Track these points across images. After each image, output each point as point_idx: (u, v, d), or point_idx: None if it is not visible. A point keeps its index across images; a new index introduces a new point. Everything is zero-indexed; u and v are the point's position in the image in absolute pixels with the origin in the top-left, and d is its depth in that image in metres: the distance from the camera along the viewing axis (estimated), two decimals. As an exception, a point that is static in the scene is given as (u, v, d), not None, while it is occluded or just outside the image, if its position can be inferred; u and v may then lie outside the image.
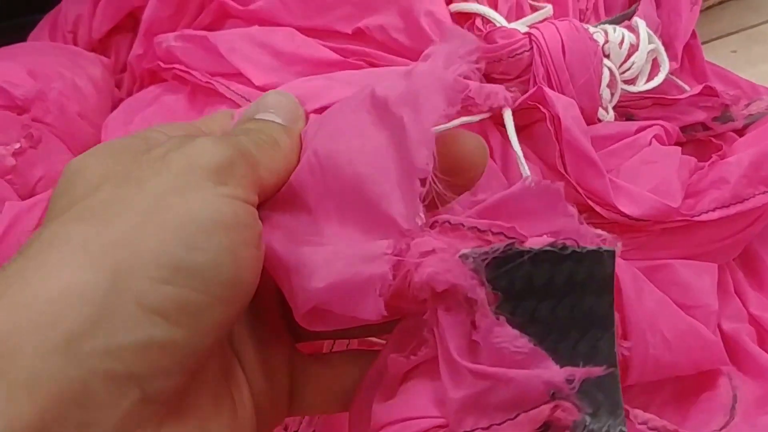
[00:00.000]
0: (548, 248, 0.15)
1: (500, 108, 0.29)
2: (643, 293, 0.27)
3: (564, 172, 0.31)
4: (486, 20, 0.32)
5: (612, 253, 0.15)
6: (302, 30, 0.41)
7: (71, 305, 0.15)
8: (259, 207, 0.18)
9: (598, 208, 0.30)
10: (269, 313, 0.20)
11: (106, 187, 0.17)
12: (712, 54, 0.42)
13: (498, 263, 0.15)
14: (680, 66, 0.37)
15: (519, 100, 0.33)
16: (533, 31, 0.31)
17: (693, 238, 0.31)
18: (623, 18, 0.35)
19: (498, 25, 0.32)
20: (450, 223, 0.16)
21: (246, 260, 0.17)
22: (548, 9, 0.33)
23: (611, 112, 0.33)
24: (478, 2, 0.33)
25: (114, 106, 0.46)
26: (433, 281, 0.15)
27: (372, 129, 0.18)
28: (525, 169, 0.29)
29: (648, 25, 0.36)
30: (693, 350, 0.28)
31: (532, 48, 0.31)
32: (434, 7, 0.36)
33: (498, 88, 0.29)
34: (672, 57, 0.36)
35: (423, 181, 0.16)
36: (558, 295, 0.15)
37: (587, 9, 0.35)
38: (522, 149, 0.34)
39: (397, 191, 0.16)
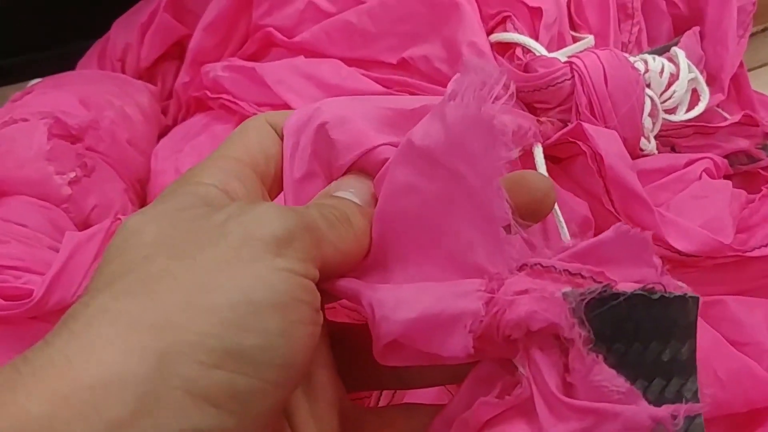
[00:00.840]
0: (640, 292, 0.15)
1: (530, 145, 0.30)
2: (697, 331, 0.27)
3: (612, 209, 0.31)
4: (526, 50, 0.33)
5: (696, 300, 0.16)
6: (347, 60, 0.41)
7: (114, 393, 0.14)
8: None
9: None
10: (322, 367, 0.20)
11: (160, 257, 0.16)
12: (758, 81, 0.42)
13: (593, 305, 0.15)
14: (726, 96, 0.37)
15: (556, 136, 0.33)
16: (574, 59, 0.31)
17: (745, 273, 0.30)
18: (663, 50, 0.35)
19: (538, 54, 0.32)
20: (542, 265, 0.16)
21: (301, 340, 0.16)
22: (590, 39, 0.34)
23: (653, 142, 0.33)
24: (519, 32, 0.33)
25: (161, 133, 0.47)
26: (530, 319, 0.15)
27: (425, 181, 0.18)
28: (561, 222, 0.29)
29: (690, 58, 0.36)
30: (746, 388, 0.28)
31: (573, 77, 0.31)
32: (476, 37, 0.37)
33: (528, 122, 0.29)
34: (718, 89, 0.36)
35: (507, 228, 0.16)
36: (646, 339, 0.15)
37: (629, 42, 0.36)
38: (566, 182, 0.34)
39: (480, 238, 0.16)
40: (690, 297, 0.16)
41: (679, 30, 0.39)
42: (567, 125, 0.32)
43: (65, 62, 0.54)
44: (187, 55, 0.47)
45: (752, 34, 0.48)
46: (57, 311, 0.31)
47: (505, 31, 0.34)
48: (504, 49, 0.36)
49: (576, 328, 0.15)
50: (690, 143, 0.36)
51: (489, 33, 0.35)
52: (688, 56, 0.35)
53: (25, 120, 0.39)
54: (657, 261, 0.16)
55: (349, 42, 0.41)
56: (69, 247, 0.32)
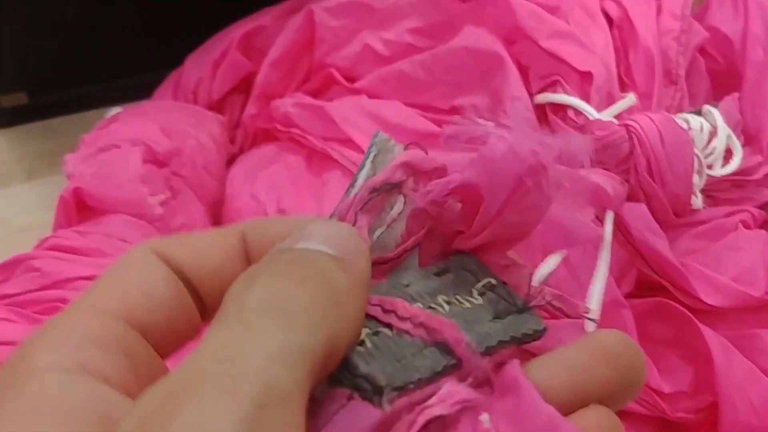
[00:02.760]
0: None
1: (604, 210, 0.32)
2: (733, 362, 0.31)
3: (648, 271, 0.35)
4: (578, 111, 0.37)
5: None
6: (403, 104, 0.46)
7: None
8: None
9: (678, 295, 0.34)
10: None
11: None
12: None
13: None
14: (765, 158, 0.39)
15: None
16: (630, 122, 0.35)
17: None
18: (697, 112, 0.39)
19: (590, 117, 0.36)
20: None
21: None
22: (631, 97, 0.38)
23: (699, 197, 0.36)
24: (569, 94, 0.37)
25: (228, 160, 0.52)
26: None
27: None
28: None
29: (728, 122, 0.39)
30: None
31: (631, 139, 0.35)
32: (520, 93, 0.41)
33: (607, 182, 0.32)
34: (757, 150, 0.39)
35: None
36: None
37: (671, 106, 0.40)
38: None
39: None
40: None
41: (717, 86, 0.43)
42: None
43: (139, 91, 0.59)
44: (254, 89, 0.52)
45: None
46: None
47: (555, 92, 0.38)
48: (554, 109, 0.40)
49: None
50: (727, 196, 0.39)
51: (538, 93, 0.40)
52: (726, 119, 0.39)
53: (117, 146, 0.44)
54: None
55: (404, 88, 0.46)
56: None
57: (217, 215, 0.48)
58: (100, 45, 0.59)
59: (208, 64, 0.53)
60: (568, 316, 0.19)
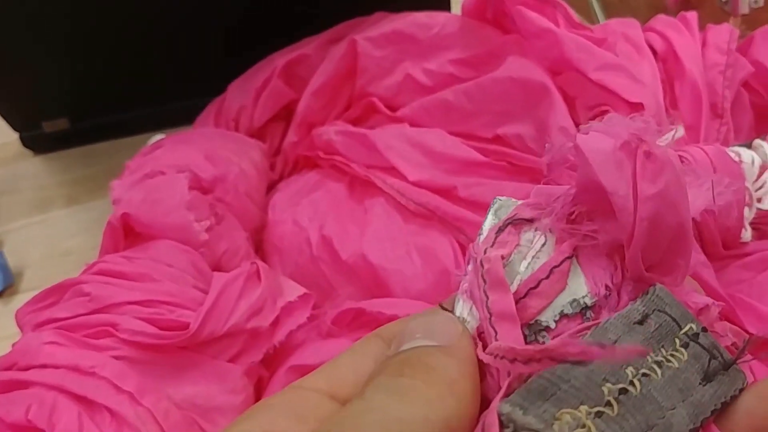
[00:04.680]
0: None
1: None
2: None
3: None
4: None
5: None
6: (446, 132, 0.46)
7: None
8: None
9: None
10: None
11: None
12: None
13: None
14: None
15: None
16: (683, 153, 0.35)
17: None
18: (747, 144, 0.39)
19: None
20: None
21: None
22: (680, 129, 0.38)
23: (749, 230, 0.36)
24: None
25: (269, 186, 0.52)
26: None
27: None
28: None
29: None
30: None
31: None
32: (566, 123, 0.41)
33: None
34: None
35: None
36: None
37: (717, 140, 0.40)
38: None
39: None
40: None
41: (760, 120, 0.43)
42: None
43: (180, 117, 0.60)
44: (296, 117, 0.53)
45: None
46: (207, 342, 0.35)
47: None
48: None
49: None
50: None
51: (587, 122, 0.40)
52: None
53: (163, 173, 0.45)
54: None
55: (446, 118, 0.46)
56: (218, 286, 0.36)
57: (258, 242, 0.48)
58: (142, 71, 0.60)
59: (250, 92, 0.54)
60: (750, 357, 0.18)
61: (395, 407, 0.15)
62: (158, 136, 0.54)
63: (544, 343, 0.17)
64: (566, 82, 0.41)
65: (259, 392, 0.38)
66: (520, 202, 0.19)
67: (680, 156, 0.34)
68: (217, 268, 0.42)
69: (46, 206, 0.59)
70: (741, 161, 0.36)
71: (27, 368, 0.34)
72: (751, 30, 0.47)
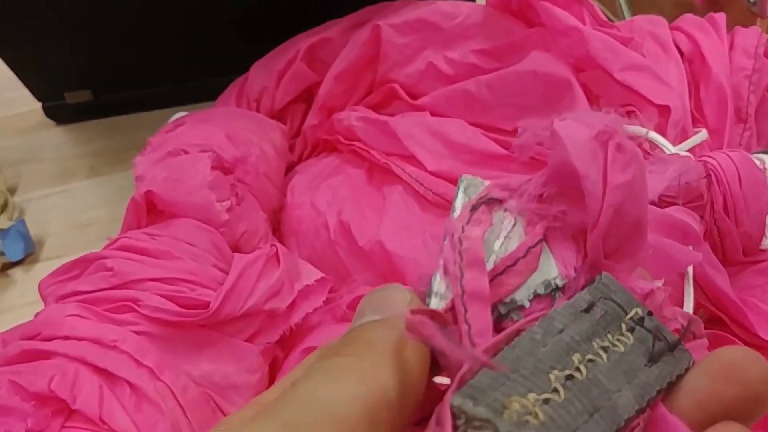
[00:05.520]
0: None
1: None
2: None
3: (708, 305, 0.35)
4: (653, 144, 0.37)
5: None
6: (467, 123, 0.46)
7: None
8: None
9: (736, 329, 0.35)
10: None
11: None
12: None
13: None
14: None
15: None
16: (708, 159, 0.35)
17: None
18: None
19: (667, 151, 0.36)
20: None
21: None
22: (703, 133, 0.38)
23: None
24: (645, 126, 0.37)
25: (287, 168, 0.53)
26: None
27: None
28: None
29: None
30: None
31: (709, 176, 0.34)
32: (590, 117, 0.41)
33: (691, 219, 0.32)
34: None
35: None
36: None
37: (740, 144, 0.40)
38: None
39: None
40: None
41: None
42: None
43: (202, 95, 0.61)
44: (317, 101, 0.53)
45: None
46: (225, 322, 0.36)
47: (631, 123, 0.38)
48: None
49: None
50: None
51: None
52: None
53: (186, 152, 0.45)
54: None
55: (467, 108, 0.46)
56: (239, 267, 0.37)
57: (275, 223, 0.49)
58: (165, 48, 0.60)
59: (272, 73, 0.54)
60: (695, 338, 0.19)
61: (322, 388, 0.15)
62: (181, 113, 0.55)
63: (517, 321, 0.18)
64: (591, 80, 0.41)
65: (273, 372, 0.38)
66: (487, 182, 0.20)
67: (704, 162, 0.35)
68: (236, 248, 0.43)
69: (67, 177, 0.60)
70: (765, 169, 0.36)
71: (50, 339, 0.34)
72: (779, 32, 0.46)
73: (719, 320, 0.37)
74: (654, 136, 0.36)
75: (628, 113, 0.39)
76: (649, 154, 0.36)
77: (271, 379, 0.38)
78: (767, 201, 0.35)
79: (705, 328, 0.37)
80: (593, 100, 0.41)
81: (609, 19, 0.51)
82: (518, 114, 0.45)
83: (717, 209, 0.34)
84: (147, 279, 0.36)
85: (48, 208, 0.57)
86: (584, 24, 0.42)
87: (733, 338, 0.35)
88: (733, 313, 0.36)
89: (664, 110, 0.38)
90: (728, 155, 0.35)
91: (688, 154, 0.36)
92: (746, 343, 0.35)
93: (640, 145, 0.38)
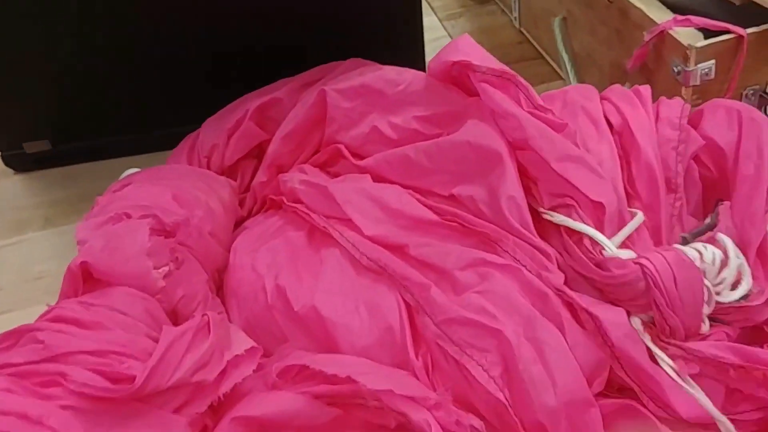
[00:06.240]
0: None
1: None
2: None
3: (623, 375, 0.36)
4: (594, 241, 0.38)
5: None
6: (405, 186, 0.48)
7: None
8: None
9: (645, 400, 0.36)
10: None
11: None
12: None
13: None
14: (753, 267, 0.40)
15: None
16: (644, 261, 0.36)
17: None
18: (707, 229, 0.40)
19: (607, 250, 0.38)
20: None
21: None
22: (639, 216, 0.39)
23: (707, 322, 0.38)
24: (584, 222, 0.39)
25: (236, 223, 0.54)
26: None
27: None
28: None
29: (728, 234, 0.40)
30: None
31: (646, 278, 0.36)
32: (515, 192, 0.42)
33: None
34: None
35: None
36: None
37: (673, 215, 0.41)
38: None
39: None
40: None
41: (706, 192, 0.44)
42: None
43: (160, 144, 0.61)
44: (266, 159, 0.54)
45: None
46: (152, 394, 0.37)
47: (570, 216, 0.39)
48: (569, 232, 0.41)
49: None
50: (732, 318, 0.39)
51: (551, 209, 0.41)
52: (726, 234, 0.39)
53: (128, 216, 0.46)
54: None
55: (407, 172, 0.48)
56: (166, 342, 0.38)
57: (220, 281, 0.50)
58: (124, 99, 0.61)
59: (223, 131, 0.55)
60: None
61: None
62: (132, 170, 0.56)
63: None
64: (529, 163, 0.43)
65: (204, 441, 0.39)
66: None
67: (641, 265, 0.36)
68: (173, 312, 0.43)
69: (22, 227, 0.61)
70: (702, 260, 0.37)
71: (-22, 412, 0.35)
72: (703, 100, 0.48)
73: (630, 390, 0.38)
74: (594, 234, 0.38)
75: (567, 205, 0.40)
76: (590, 253, 0.38)
77: (201, 449, 0.39)
78: (702, 295, 0.36)
79: (615, 397, 0.38)
80: (531, 183, 0.43)
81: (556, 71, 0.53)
82: (453, 180, 0.46)
83: (660, 305, 0.36)
84: (77, 352, 0.37)
85: (1, 260, 0.58)
86: (520, 105, 0.43)
87: (643, 409, 0.37)
88: (648, 387, 0.37)
89: (599, 207, 0.39)
90: (663, 256, 0.36)
91: (628, 252, 0.38)
92: (654, 414, 0.37)
93: (580, 241, 0.40)
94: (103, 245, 0.42)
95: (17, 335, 0.38)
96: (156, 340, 0.39)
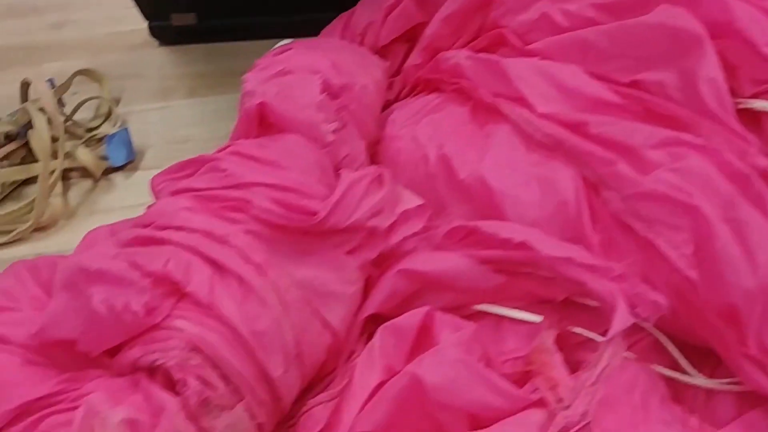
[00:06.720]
0: None
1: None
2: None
3: None
4: None
5: None
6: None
7: None
8: None
9: None
10: None
11: None
12: None
13: None
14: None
15: None
16: None
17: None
18: None
19: None
20: None
21: None
22: None
23: None
24: None
25: (384, 106, 0.53)
26: None
27: None
28: None
29: None
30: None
31: None
32: (716, 74, 0.40)
33: None
34: None
35: None
36: None
37: None
38: None
39: None
40: None
41: None
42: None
43: (306, 28, 0.61)
44: (422, 40, 0.53)
45: None
46: (328, 233, 0.37)
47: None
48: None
49: None
50: None
51: (752, 97, 0.39)
52: None
53: (295, 73, 0.46)
54: None
55: (582, 57, 0.45)
56: (345, 183, 0.38)
57: (372, 155, 0.49)
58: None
59: (380, 9, 0.54)
60: None
61: None
62: (286, 41, 0.55)
63: None
64: (729, 50, 0.40)
65: (367, 289, 0.39)
66: None
67: None
68: (337, 170, 0.43)
69: (167, 95, 0.61)
70: None
71: (163, 228, 0.36)
72: None
73: None
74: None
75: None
76: None
77: (365, 296, 0.39)
78: None
79: None
80: (730, 70, 0.40)
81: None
82: (637, 66, 0.43)
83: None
84: (258, 183, 0.37)
85: (148, 122, 0.59)
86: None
87: None
88: None
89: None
90: None
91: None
92: None
93: None
94: (276, 92, 0.42)
95: (198, 164, 0.39)
96: (327, 188, 0.39)
